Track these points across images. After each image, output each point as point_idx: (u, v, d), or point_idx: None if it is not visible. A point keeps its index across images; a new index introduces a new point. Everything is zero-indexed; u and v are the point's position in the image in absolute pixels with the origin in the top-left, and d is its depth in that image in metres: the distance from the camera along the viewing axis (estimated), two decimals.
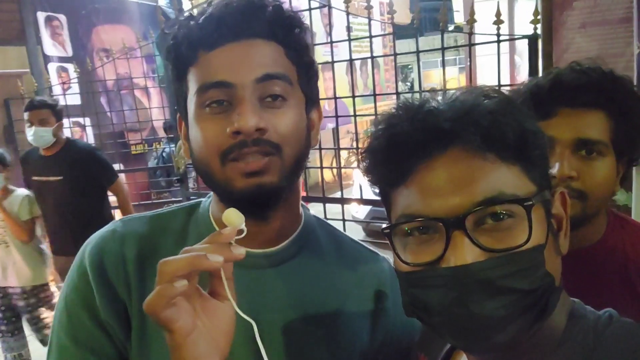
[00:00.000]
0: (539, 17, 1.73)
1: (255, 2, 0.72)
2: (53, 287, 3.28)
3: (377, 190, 0.66)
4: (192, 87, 0.73)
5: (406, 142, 0.56)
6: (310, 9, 2.48)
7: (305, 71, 0.76)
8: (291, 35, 0.74)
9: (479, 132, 0.54)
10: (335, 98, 2.48)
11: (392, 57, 2.46)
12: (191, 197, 3.23)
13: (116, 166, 4.73)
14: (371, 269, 0.86)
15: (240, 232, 0.61)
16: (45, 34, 4.68)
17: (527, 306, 0.53)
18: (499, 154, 0.55)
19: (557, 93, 0.99)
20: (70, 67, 4.52)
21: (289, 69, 0.73)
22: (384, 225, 0.61)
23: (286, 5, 0.76)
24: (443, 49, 2.14)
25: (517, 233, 0.53)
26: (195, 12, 0.76)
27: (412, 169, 0.56)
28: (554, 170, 0.97)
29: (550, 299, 0.55)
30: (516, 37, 2.05)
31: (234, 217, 0.62)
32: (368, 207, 5.44)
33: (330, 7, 2.52)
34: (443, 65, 2.17)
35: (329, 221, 0.92)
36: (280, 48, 0.73)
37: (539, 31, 1.77)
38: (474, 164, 0.54)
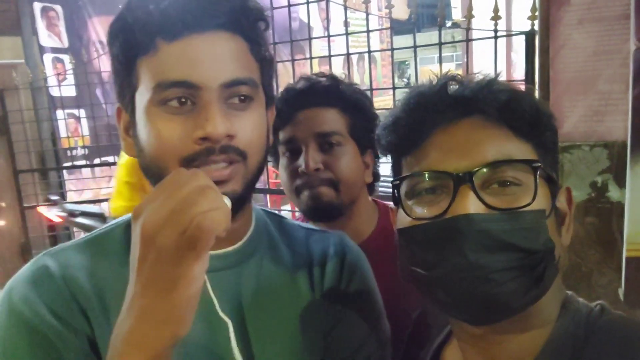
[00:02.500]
0: (536, 13, 1.73)
1: None
2: None
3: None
4: (147, 80, 0.66)
5: (427, 106, 0.60)
6: (307, 3, 2.46)
7: (267, 69, 0.74)
8: (256, 29, 0.70)
9: (496, 105, 0.57)
10: None
11: (389, 53, 2.46)
12: None
13: (112, 159, 4.76)
14: (326, 247, 0.85)
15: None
16: (41, 25, 4.65)
17: (525, 267, 0.54)
18: (514, 129, 0.57)
19: (292, 100, 1.13)
20: (66, 58, 4.48)
21: (254, 68, 0.70)
22: (393, 179, 0.63)
23: None
24: (440, 45, 2.14)
25: (522, 197, 0.55)
26: None
27: (429, 133, 0.59)
28: (302, 167, 1.08)
29: (548, 268, 0.55)
30: (513, 33, 2.04)
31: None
32: None
33: (328, 1, 2.51)
34: (440, 62, 2.16)
35: None
36: (245, 43, 0.69)
37: (536, 27, 1.77)
38: (488, 133, 0.57)
